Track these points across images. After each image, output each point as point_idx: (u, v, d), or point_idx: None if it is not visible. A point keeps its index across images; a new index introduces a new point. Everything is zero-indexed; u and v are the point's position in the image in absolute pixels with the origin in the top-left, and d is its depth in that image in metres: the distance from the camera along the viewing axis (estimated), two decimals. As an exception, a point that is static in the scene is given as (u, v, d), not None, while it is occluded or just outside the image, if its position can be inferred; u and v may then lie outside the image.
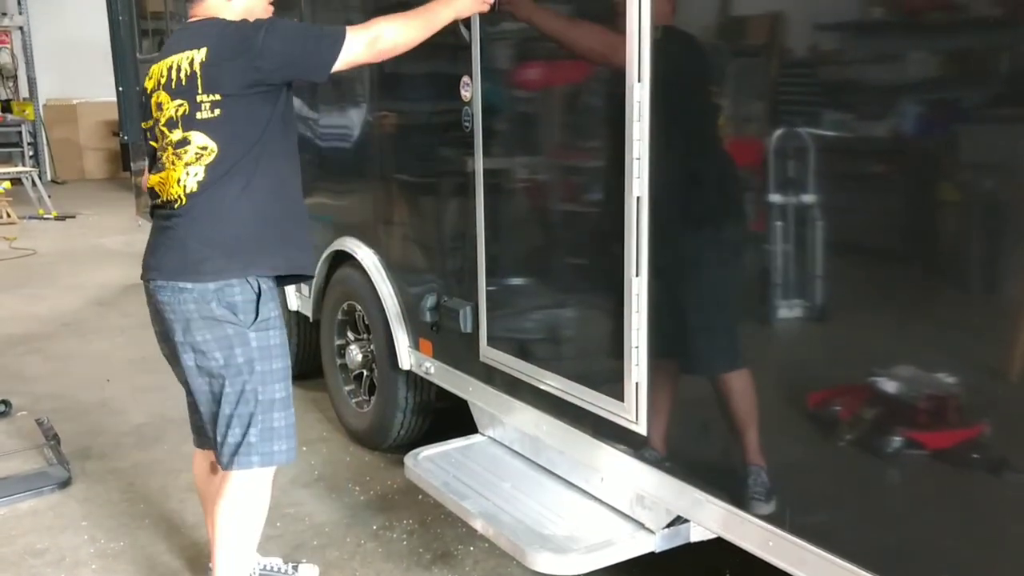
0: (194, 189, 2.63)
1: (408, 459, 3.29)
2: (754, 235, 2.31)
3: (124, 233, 10.68)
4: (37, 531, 3.58)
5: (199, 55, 2.59)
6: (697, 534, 2.65)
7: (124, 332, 6.45)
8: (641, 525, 2.70)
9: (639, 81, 2.44)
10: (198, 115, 2.60)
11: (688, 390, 2.58)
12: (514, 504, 2.91)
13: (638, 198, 2.50)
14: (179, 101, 2.62)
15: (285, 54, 2.58)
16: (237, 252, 2.64)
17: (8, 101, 15.66)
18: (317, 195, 4.30)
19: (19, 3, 15.40)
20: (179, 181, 2.64)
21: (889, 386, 2.07)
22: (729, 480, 2.40)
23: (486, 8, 2.80)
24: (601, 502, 2.86)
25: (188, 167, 2.62)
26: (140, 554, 3.39)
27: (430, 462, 3.24)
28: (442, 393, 3.76)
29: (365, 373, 4.28)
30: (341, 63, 2.59)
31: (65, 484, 3.95)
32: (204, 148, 2.61)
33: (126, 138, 8.00)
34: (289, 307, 4.87)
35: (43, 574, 3.28)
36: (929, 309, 2.00)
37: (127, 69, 7.52)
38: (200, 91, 2.58)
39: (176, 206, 2.66)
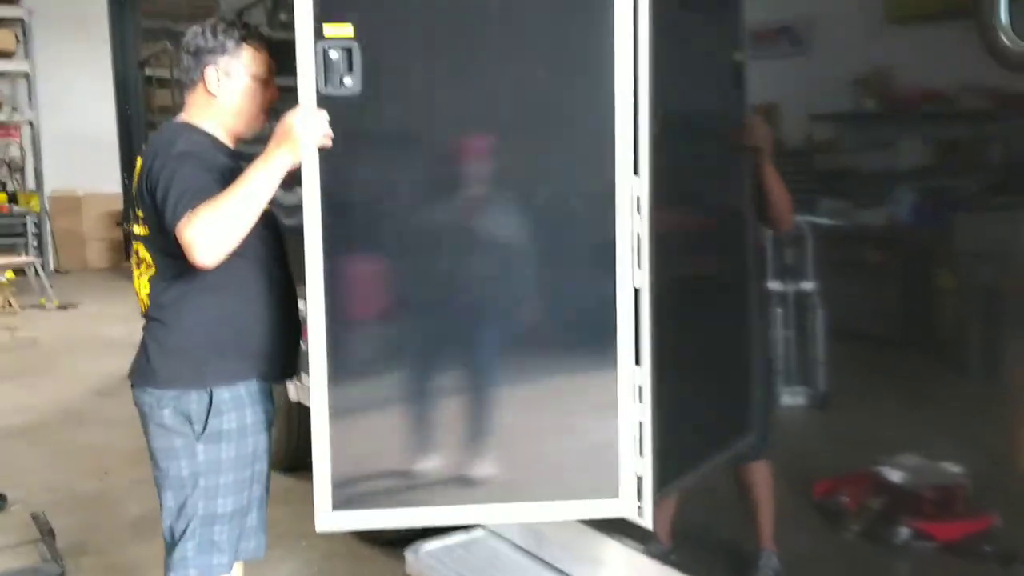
0: (148, 297, 2.60)
1: (409, 554, 3.24)
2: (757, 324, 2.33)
3: (125, 323, 10.66)
4: (29, 630, 3.51)
5: (140, 163, 2.55)
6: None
7: (123, 423, 6.39)
8: (648, 622, 2.65)
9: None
10: (135, 228, 2.59)
11: (695, 481, 2.56)
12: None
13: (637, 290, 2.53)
14: (132, 208, 2.62)
15: (156, 196, 2.40)
16: (190, 360, 2.55)
17: (14, 193, 15.88)
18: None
19: (29, 98, 15.73)
20: (140, 287, 2.63)
21: (895, 475, 2.06)
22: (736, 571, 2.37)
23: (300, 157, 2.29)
24: (606, 597, 2.81)
25: (141, 276, 2.61)
26: (134, 653, 3.32)
27: (432, 557, 3.19)
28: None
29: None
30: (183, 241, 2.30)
31: (58, 581, 3.88)
32: (145, 260, 2.58)
33: (125, 226, 8.07)
34: (290, 397, 4.86)
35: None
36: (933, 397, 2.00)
37: (134, 161, 7.65)
38: (136, 203, 2.56)
39: (142, 310, 2.65)
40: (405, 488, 2.40)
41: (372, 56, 2.28)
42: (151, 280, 2.57)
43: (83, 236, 17.21)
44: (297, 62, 2.25)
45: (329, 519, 2.38)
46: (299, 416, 4.93)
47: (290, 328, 2.72)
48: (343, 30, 2.27)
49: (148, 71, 7.43)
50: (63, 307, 12.05)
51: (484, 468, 2.47)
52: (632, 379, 2.55)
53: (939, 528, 2.00)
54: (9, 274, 11.87)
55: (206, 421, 2.53)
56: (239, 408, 2.59)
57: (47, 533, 4.19)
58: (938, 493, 1.98)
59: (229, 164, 2.54)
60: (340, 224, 2.28)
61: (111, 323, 10.73)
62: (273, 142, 2.29)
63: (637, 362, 2.55)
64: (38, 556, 4.11)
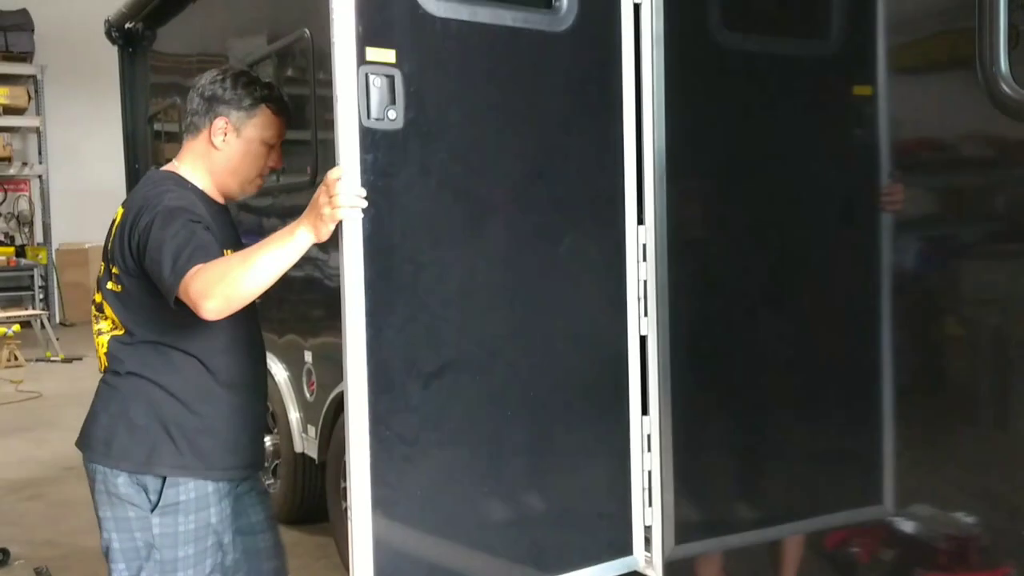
0: (106, 356, 2.38)
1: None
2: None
3: (131, 375, 10.67)
4: None
5: (119, 216, 2.34)
6: None
7: (127, 476, 6.36)
8: None
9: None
10: (109, 284, 2.36)
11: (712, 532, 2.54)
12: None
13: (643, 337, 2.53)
14: (105, 262, 2.39)
15: (146, 255, 2.21)
16: (145, 442, 2.32)
17: (23, 246, 15.99)
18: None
19: (40, 152, 15.91)
20: (100, 344, 2.41)
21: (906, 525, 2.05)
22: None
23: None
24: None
25: (102, 334, 2.39)
26: None
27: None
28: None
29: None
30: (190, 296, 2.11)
31: (62, 637, 3.83)
32: (112, 319, 2.36)
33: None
34: (295, 449, 4.84)
35: None
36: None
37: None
38: (110, 258, 2.35)
39: (100, 368, 2.44)
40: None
41: (414, 87, 2.15)
42: (113, 340, 2.35)
43: (89, 289, 17.25)
44: (335, 90, 2.05)
45: None
46: (304, 468, 4.90)
47: (261, 417, 2.56)
48: (386, 55, 2.12)
49: (157, 126, 7.52)
50: (68, 360, 12.05)
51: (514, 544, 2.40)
52: (640, 428, 2.54)
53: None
54: (15, 327, 11.89)
55: (161, 492, 2.32)
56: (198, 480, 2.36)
57: (50, 589, 4.14)
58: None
59: (220, 220, 2.40)
60: (382, 278, 2.12)
61: (116, 376, 10.72)
62: (304, 216, 2.10)
63: (645, 411, 2.55)
64: (40, 612, 4.06)
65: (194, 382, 2.33)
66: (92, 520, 5.46)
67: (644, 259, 2.52)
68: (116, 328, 2.36)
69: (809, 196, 2.24)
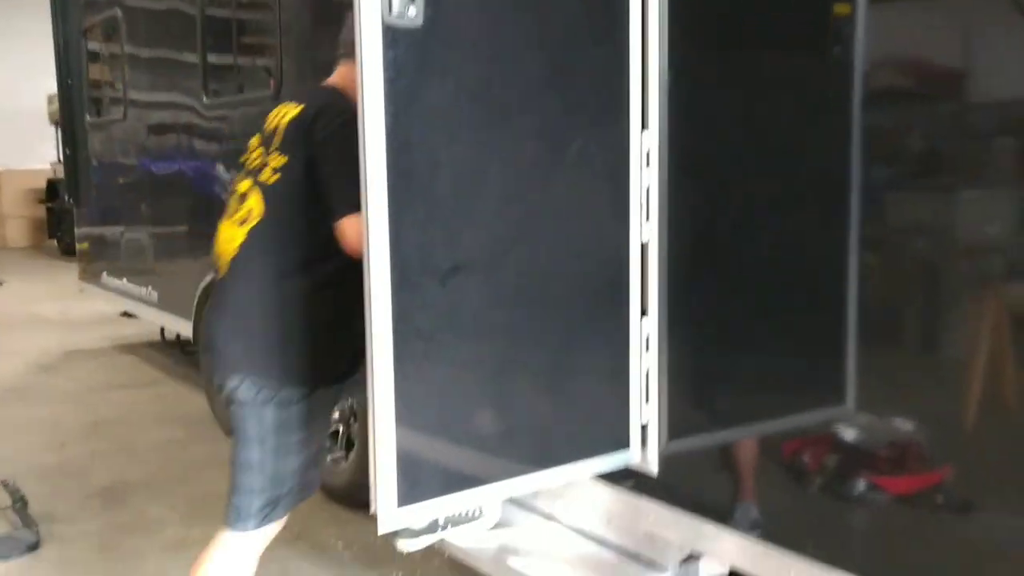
0: (240, 247, 2.50)
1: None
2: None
3: (57, 300, 10.42)
4: (13, 595, 3.45)
5: (293, 112, 2.51)
6: (707, 571, 2.71)
7: (72, 397, 6.28)
8: (653, 564, 2.75)
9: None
10: (266, 172, 2.51)
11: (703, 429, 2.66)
12: (519, 553, 2.93)
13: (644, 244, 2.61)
14: (264, 152, 2.54)
15: (327, 163, 2.43)
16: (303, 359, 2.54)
17: (-69, 170, 15.30)
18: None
19: (-55, 69, 15.16)
20: (231, 235, 2.53)
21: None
22: (746, 513, 2.48)
23: None
24: (608, 545, 2.89)
25: (241, 223, 2.51)
26: (124, 615, 3.29)
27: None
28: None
29: (341, 428, 4.26)
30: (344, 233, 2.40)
31: (34, 547, 3.81)
32: (254, 208, 2.50)
33: (71, 202, 7.86)
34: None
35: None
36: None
37: (76, 133, 7.45)
38: (276, 148, 2.50)
39: (225, 259, 2.55)
40: (454, 470, 2.37)
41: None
42: (253, 231, 2.48)
43: (2, 214, 16.65)
44: None
45: (394, 517, 2.28)
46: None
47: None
48: None
49: (92, 44, 7.24)
50: (-16, 283, 11.67)
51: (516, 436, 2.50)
52: (639, 329, 2.64)
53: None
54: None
55: (296, 396, 2.55)
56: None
57: (19, 500, 4.09)
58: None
59: None
60: (402, 177, 2.15)
61: (40, 301, 10.44)
62: None
63: (644, 313, 2.64)
64: (9, 524, 4.02)
65: (342, 301, 2.46)
66: (43, 439, 5.40)
67: (647, 165, 2.58)
68: (255, 218, 2.48)
69: (810, 101, 2.33)
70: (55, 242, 15.54)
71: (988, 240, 2.05)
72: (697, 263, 2.60)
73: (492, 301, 2.40)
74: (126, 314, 7.17)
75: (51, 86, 15.86)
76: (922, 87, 2.19)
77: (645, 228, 2.61)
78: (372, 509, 2.28)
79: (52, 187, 15.18)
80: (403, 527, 2.38)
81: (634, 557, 2.81)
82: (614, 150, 2.56)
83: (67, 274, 12.87)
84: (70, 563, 3.69)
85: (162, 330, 6.94)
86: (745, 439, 2.59)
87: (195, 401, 6.01)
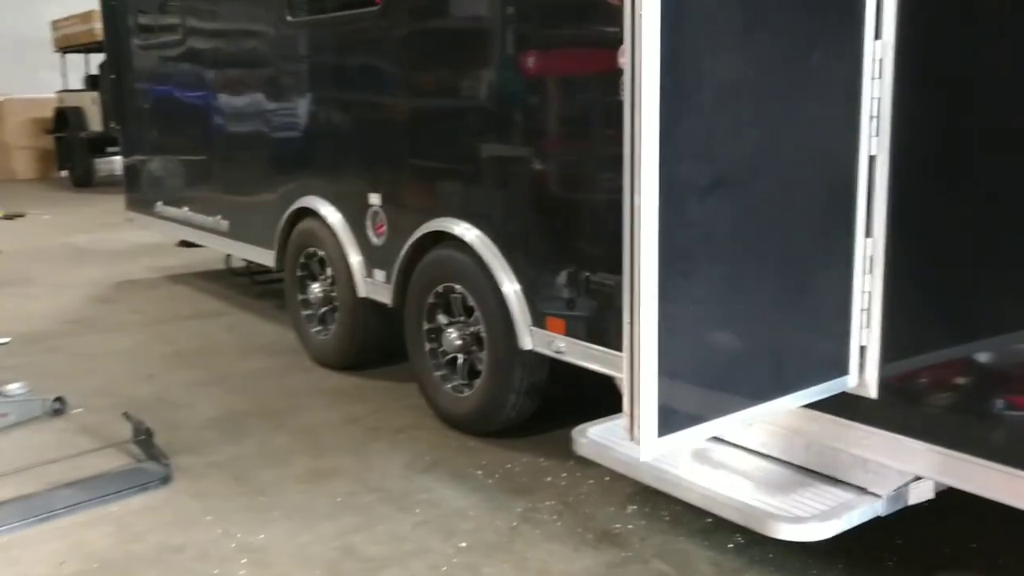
0: None
1: (577, 435, 3.21)
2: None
3: (85, 232, 10.23)
4: (163, 527, 3.36)
5: None
6: (917, 497, 2.66)
7: (143, 328, 6.16)
8: (865, 491, 2.69)
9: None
10: None
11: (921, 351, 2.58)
12: (717, 477, 2.86)
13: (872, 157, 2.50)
14: None
15: None
16: None
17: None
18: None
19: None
20: None
21: None
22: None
23: None
24: (809, 472, 2.83)
25: None
26: (286, 546, 3.22)
27: (601, 438, 3.16)
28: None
29: (461, 357, 4.17)
30: None
31: (166, 480, 3.72)
32: None
33: (116, 128, 7.64)
34: (357, 294, 4.73)
35: (194, 570, 3.08)
36: None
37: (122, 57, 7.19)
38: None
39: None
40: (706, 399, 2.32)
41: None
42: None
43: (6, 144, 16.29)
44: None
45: (653, 447, 2.22)
46: (364, 313, 4.81)
47: None
48: None
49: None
50: (9, 217, 11.42)
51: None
52: (863, 250, 2.54)
53: None
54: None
55: None
56: None
57: (143, 432, 3.99)
58: None
59: None
60: (675, 86, 2.09)
61: (70, 233, 10.23)
62: None
63: (868, 234, 2.55)
64: (131, 458, 3.93)
65: None
66: (127, 370, 5.28)
67: (879, 76, 2.46)
68: None
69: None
70: (65, 174, 15.21)
71: None
72: (926, 182, 2.49)
73: (742, 218, 2.30)
74: (185, 243, 6.99)
75: (54, 12, 15.38)
76: None
77: (874, 142, 2.50)
78: (632, 437, 2.19)
79: (61, 116, 14.80)
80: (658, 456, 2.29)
81: (841, 484, 2.75)
82: (849, 60, 2.44)
83: (87, 205, 12.66)
84: (208, 496, 3.60)
85: (227, 259, 6.79)
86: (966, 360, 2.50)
87: (271, 331, 5.91)
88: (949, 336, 2.54)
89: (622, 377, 3.30)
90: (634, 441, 2.18)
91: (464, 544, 3.20)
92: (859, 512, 2.61)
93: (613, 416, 3.31)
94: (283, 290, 5.55)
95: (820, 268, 2.52)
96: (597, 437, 3.16)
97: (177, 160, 6.77)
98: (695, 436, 2.30)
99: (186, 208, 6.59)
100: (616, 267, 3.20)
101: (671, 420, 2.20)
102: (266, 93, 5.45)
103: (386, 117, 4.45)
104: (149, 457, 3.88)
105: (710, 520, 3.25)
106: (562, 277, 3.52)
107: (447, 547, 3.18)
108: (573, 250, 3.51)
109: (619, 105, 2.07)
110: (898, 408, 2.59)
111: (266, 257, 5.61)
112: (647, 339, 2.11)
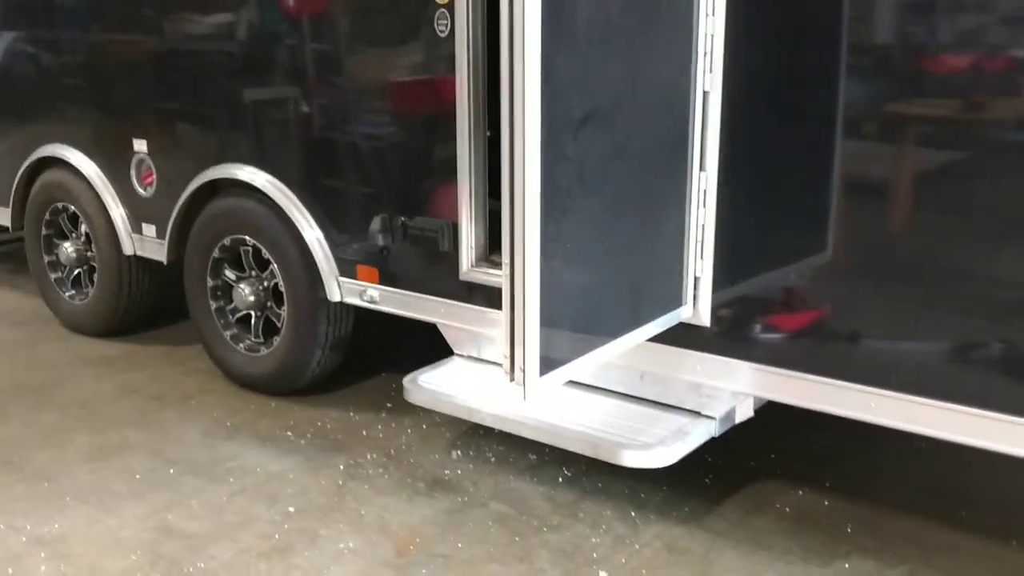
0: None
1: (407, 383, 3.11)
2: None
3: None
4: None
5: None
6: (741, 416, 2.83)
7: None
8: (699, 414, 2.81)
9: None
10: None
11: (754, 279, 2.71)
12: (562, 414, 2.88)
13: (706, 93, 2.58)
14: None
15: None
16: None
17: None
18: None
19: None
20: None
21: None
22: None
23: None
24: (642, 400, 2.92)
25: None
26: (90, 533, 2.87)
27: (430, 383, 3.08)
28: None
29: (255, 314, 3.91)
30: None
31: None
32: None
33: None
34: (123, 251, 4.29)
35: None
36: None
37: None
38: None
39: None
40: (577, 335, 2.30)
41: None
42: None
43: None
44: None
45: (536, 387, 2.17)
46: (130, 273, 4.38)
47: None
48: None
49: None
50: None
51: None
52: (697, 184, 2.63)
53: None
54: None
55: None
56: None
57: None
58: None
59: None
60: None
61: None
62: None
63: (702, 168, 2.63)
64: None
65: None
66: None
67: (712, 13, 2.52)
68: None
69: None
70: None
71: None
72: (756, 118, 2.60)
73: (609, 155, 2.30)
74: None
75: None
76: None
77: (707, 78, 2.57)
78: (512, 379, 2.14)
79: None
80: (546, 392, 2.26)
81: (678, 410, 2.86)
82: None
83: None
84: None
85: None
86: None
87: (9, 297, 5.25)
88: (769, 263, 2.69)
89: (444, 323, 3.29)
90: (516, 383, 2.13)
91: (292, 508, 3.02)
92: (697, 434, 2.74)
93: (440, 362, 3.25)
94: (21, 252, 4.93)
95: (666, 203, 2.57)
96: (431, 384, 3.08)
97: None
98: (568, 374, 2.29)
99: None
100: (436, 212, 3.16)
101: (548, 361, 2.18)
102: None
103: (152, 60, 4.03)
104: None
105: (535, 457, 3.29)
106: (376, 224, 3.38)
107: (274, 514, 2.99)
108: (382, 198, 3.37)
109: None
110: (728, 334, 2.73)
111: (3, 215, 4.95)
112: (531, 281, 2.06)
